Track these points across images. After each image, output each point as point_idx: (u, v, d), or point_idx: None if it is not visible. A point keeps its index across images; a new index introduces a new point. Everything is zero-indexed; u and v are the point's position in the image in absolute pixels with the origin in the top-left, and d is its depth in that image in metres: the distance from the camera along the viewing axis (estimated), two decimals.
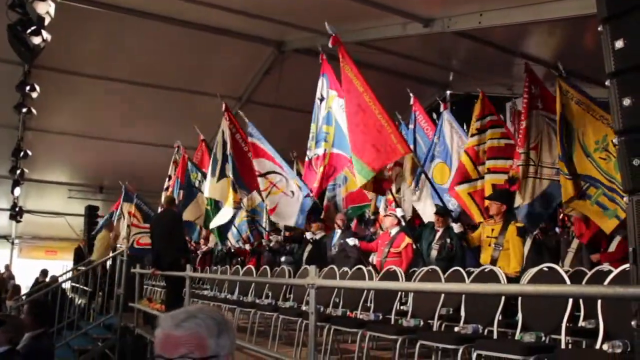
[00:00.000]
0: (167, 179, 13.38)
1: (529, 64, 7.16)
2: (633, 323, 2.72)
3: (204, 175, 10.86)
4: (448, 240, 6.64)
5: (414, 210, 8.33)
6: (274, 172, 8.68)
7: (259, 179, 8.74)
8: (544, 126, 6.83)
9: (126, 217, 12.59)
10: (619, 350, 3.19)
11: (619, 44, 2.91)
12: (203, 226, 11.37)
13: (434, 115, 9.53)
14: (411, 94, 9.00)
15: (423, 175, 7.96)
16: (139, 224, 11.71)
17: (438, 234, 6.91)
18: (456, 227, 6.57)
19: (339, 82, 7.22)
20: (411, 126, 8.91)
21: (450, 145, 8.27)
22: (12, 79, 10.79)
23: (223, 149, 9.70)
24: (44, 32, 6.47)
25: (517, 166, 6.77)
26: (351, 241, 7.76)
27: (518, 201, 6.66)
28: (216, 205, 10.01)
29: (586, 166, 5.90)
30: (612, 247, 6.13)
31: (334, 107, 7.35)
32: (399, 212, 7.27)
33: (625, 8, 2.89)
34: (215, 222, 9.79)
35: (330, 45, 6.77)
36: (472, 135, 7.75)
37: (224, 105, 9.93)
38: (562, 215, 7.87)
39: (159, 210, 10.35)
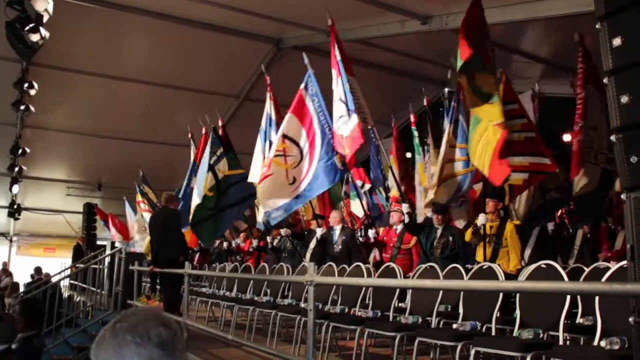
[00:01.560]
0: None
1: (582, 34, 6.79)
2: (630, 319, 2.73)
3: (226, 152, 9.49)
4: (450, 239, 6.59)
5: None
6: (295, 142, 7.25)
7: (277, 136, 7.45)
8: (599, 106, 6.39)
9: (138, 207, 12.72)
10: (616, 347, 3.20)
11: (617, 41, 2.92)
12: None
13: (430, 116, 9.44)
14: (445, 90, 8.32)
15: None
16: (150, 209, 11.77)
17: (439, 232, 6.81)
18: (482, 218, 6.22)
19: (346, 57, 6.91)
20: (453, 103, 7.66)
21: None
22: (10, 76, 10.77)
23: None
24: (42, 30, 6.46)
25: (577, 142, 6.42)
26: (372, 233, 7.69)
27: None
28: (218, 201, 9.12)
29: None
30: (618, 245, 6.14)
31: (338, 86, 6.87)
32: (404, 208, 7.20)
33: (622, 6, 2.90)
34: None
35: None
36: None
37: (267, 79, 9.12)
38: (560, 212, 7.88)
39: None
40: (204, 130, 11.00)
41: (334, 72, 7.01)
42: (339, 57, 6.92)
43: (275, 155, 7.25)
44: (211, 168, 9.23)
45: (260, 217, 8.18)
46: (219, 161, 9.37)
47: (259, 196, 7.55)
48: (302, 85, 7.39)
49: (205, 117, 10.65)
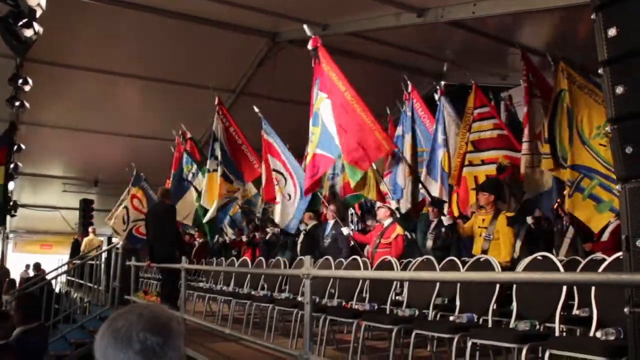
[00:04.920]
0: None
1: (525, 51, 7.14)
2: (626, 310, 2.74)
3: (200, 167, 10.71)
4: (443, 230, 6.64)
5: (413, 202, 8.30)
6: (278, 171, 8.89)
7: (273, 174, 8.98)
8: (542, 115, 6.79)
9: (127, 199, 12.68)
10: (612, 337, 3.21)
11: (612, 32, 2.91)
12: (193, 224, 11.15)
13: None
14: (409, 82, 8.84)
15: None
16: (141, 208, 11.78)
17: (433, 224, 6.91)
18: (445, 220, 6.56)
19: (332, 81, 7.18)
20: (409, 114, 8.69)
21: (449, 132, 8.19)
22: (5, 72, 10.72)
23: (213, 143, 9.72)
24: (35, 25, 6.41)
25: (522, 155, 6.83)
26: (345, 230, 7.79)
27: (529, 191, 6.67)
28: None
29: (582, 155, 5.82)
30: (605, 236, 6.13)
31: (321, 108, 7.27)
32: (392, 204, 7.29)
33: None
34: (206, 217, 9.78)
35: (310, 47, 6.73)
36: (466, 126, 7.77)
37: (217, 99, 9.88)
38: (556, 205, 7.87)
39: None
40: (176, 140, 11.42)
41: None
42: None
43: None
44: (190, 184, 10.84)
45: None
46: (194, 178, 10.90)
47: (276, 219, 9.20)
48: (265, 135, 9.21)
49: (181, 126, 11.18)
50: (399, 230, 7.21)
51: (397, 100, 9.08)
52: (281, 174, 8.85)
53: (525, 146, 6.91)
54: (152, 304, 1.37)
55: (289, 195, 8.63)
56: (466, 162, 7.54)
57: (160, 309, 1.35)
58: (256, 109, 9.27)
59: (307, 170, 7.07)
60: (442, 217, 6.66)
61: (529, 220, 7.07)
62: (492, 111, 7.94)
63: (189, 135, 12.08)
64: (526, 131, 6.90)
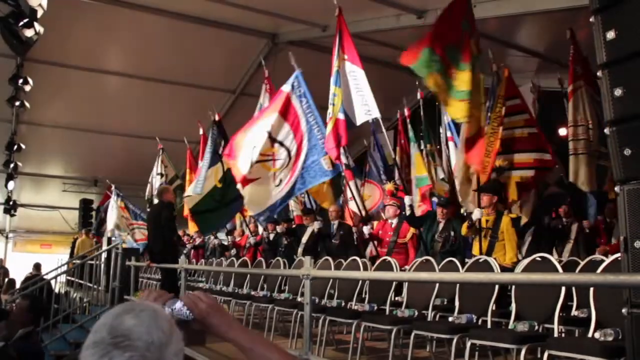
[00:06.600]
0: (158, 177, 12.93)
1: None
2: (624, 311, 2.75)
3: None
4: (452, 233, 6.53)
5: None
6: (282, 143, 7.09)
7: (265, 140, 7.11)
8: (586, 103, 6.45)
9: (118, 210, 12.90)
10: (610, 338, 3.23)
11: (611, 34, 2.92)
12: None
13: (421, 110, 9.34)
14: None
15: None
16: (130, 219, 11.88)
17: (441, 226, 6.75)
18: (477, 213, 6.19)
19: (353, 46, 6.74)
20: None
21: None
22: (5, 72, 10.74)
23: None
24: (36, 25, 6.42)
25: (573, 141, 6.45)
26: (366, 229, 7.50)
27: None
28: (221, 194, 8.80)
29: None
30: (617, 238, 6.13)
31: (344, 69, 6.73)
32: (407, 200, 7.11)
33: None
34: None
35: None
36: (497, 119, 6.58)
37: (266, 72, 9.01)
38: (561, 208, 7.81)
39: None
40: (201, 131, 11.10)
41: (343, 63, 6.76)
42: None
43: (264, 161, 7.10)
44: (220, 159, 8.98)
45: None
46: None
47: (245, 200, 7.54)
48: (289, 87, 7.16)
49: (209, 113, 10.76)
50: (413, 229, 7.12)
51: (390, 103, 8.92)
52: (286, 149, 7.05)
53: (571, 130, 6.47)
54: (144, 330, 1.10)
55: (280, 181, 7.10)
56: (496, 164, 6.55)
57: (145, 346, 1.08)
58: (292, 60, 7.34)
59: (331, 138, 6.47)
60: (476, 210, 6.21)
61: (547, 219, 6.93)
62: (523, 104, 6.97)
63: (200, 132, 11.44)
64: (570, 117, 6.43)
